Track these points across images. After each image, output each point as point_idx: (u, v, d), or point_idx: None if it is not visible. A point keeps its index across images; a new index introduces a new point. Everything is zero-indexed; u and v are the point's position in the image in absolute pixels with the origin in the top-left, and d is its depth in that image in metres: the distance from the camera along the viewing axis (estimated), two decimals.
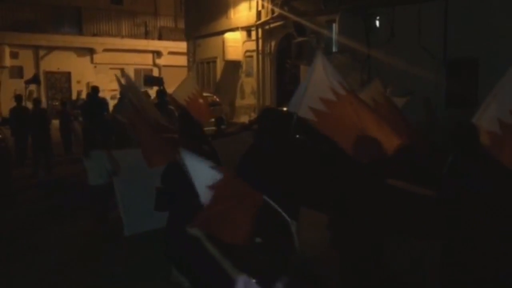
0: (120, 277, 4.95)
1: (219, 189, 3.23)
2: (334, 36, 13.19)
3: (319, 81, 4.27)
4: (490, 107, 3.88)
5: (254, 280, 2.66)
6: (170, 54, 25.17)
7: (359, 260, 3.89)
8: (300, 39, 14.10)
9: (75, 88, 23.37)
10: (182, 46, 22.33)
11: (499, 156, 3.65)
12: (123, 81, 6.16)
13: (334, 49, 13.41)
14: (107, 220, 6.09)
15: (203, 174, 3.24)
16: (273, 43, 16.32)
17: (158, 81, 12.33)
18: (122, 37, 24.68)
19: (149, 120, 5.32)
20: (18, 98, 11.42)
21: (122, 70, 24.35)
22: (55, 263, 5.45)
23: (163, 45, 25.38)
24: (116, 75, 6.50)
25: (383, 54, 11.74)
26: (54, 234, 6.36)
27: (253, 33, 16.94)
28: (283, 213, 3.16)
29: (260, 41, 16.67)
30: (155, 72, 25.15)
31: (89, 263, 5.41)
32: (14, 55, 22.03)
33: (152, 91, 14.41)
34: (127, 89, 5.18)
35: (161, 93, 10.38)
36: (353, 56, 12.65)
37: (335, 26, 13.08)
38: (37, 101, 11.32)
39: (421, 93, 9.72)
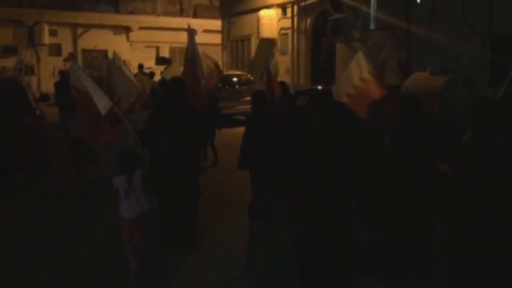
0: None
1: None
2: (372, 12, 12.77)
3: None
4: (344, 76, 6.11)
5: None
6: (205, 32, 25.02)
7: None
8: (336, 15, 13.73)
9: None
10: (216, 24, 22.17)
11: (356, 111, 5.57)
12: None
13: (371, 26, 13.00)
14: (81, 166, 8.06)
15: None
16: (308, 21, 15.97)
17: (167, 62, 16.04)
18: (158, 15, 24.73)
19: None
20: (62, 72, 13.44)
21: (157, 48, 24.65)
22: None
23: (198, 23, 25.20)
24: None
25: (424, 31, 11.31)
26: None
27: (289, 10, 16.62)
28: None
29: (295, 18, 16.35)
30: None
31: None
32: (53, 33, 22.42)
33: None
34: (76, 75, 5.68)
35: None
36: (392, 33, 12.23)
37: (373, 2, 12.66)
38: (65, 73, 13.04)
39: (464, 71, 9.33)
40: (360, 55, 6.17)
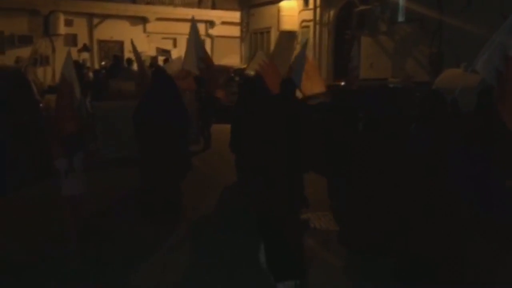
0: None
1: None
2: (401, 3, 12.03)
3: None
4: None
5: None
6: (223, 24, 24.46)
7: None
8: (362, 7, 13.04)
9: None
10: (235, 16, 21.56)
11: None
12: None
13: (400, 18, 12.27)
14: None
15: None
16: (332, 12, 15.22)
17: (167, 53, 16.78)
18: (175, 6, 24.15)
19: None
20: (76, 63, 12.55)
21: (174, 40, 24.12)
22: None
23: (217, 15, 24.67)
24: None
25: (458, 24, 10.55)
26: None
27: (311, 1, 15.89)
28: None
29: (318, 10, 15.61)
30: (208, 43, 24.56)
31: None
32: (68, 23, 22.00)
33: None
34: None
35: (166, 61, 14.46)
36: (422, 26, 11.48)
37: None
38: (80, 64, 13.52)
39: None
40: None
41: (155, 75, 5.96)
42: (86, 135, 7.54)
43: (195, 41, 7.53)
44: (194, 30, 7.66)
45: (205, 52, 7.65)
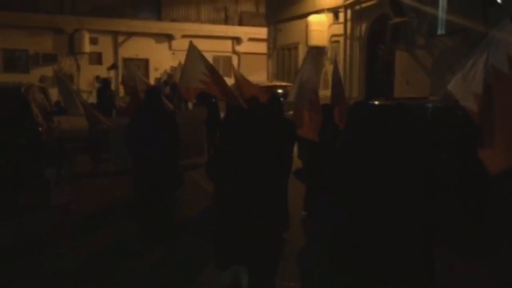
0: None
1: None
2: (441, 14, 11.03)
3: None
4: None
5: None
6: (250, 41, 23.82)
7: None
8: (397, 19, 12.06)
9: (152, 75, 22.59)
10: (262, 32, 20.89)
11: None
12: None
13: (440, 31, 11.24)
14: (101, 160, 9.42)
15: None
16: (364, 26, 14.29)
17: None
18: (201, 22, 23.68)
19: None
20: (105, 81, 14.05)
21: None
22: None
23: (243, 31, 24.07)
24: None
25: (504, 36, 9.44)
26: None
27: (341, 15, 15.04)
28: None
29: (348, 24, 14.74)
30: (234, 59, 23.92)
31: None
32: (93, 41, 21.76)
33: None
34: None
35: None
36: (465, 38, 10.42)
37: (442, 2, 10.90)
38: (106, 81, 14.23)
39: None
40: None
41: (149, 94, 6.09)
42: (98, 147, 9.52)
43: (195, 59, 7.69)
44: (192, 52, 7.80)
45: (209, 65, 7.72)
